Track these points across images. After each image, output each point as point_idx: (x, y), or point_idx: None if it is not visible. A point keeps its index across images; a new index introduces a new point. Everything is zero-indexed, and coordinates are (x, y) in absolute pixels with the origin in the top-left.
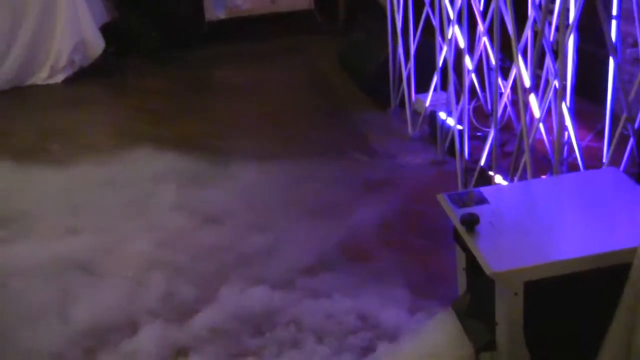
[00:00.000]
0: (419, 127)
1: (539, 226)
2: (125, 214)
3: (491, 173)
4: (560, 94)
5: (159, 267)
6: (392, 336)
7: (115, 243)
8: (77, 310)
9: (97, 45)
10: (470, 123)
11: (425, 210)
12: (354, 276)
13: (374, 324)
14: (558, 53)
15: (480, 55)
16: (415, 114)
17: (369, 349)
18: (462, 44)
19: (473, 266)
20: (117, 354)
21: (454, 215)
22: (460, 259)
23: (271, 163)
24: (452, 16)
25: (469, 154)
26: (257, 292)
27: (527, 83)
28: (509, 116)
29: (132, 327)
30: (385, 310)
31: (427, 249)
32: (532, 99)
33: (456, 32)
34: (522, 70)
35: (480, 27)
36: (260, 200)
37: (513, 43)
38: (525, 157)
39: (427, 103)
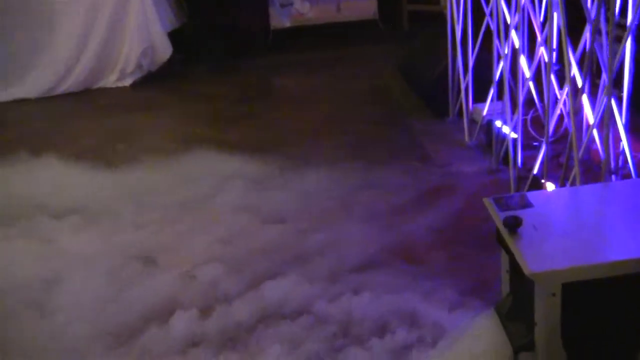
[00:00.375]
0: (476, 136)
1: (581, 230)
2: (188, 212)
3: (543, 181)
4: (607, 91)
5: (214, 261)
6: (434, 336)
7: (176, 237)
8: (129, 296)
9: (165, 50)
10: (527, 132)
11: (476, 216)
12: (402, 276)
13: (416, 323)
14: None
15: (539, 65)
16: (472, 123)
17: (410, 347)
18: (519, 50)
19: (515, 269)
20: (154, 337)
21: (498, 217)
22: (504, 262)
23: (330, 168)
24: (510, 24)
25: (523, 162)
26: (301, 287)
27: (579, 83)
28: (566, 127)
29: (168, 315)
30: (429, 310)
31: (476, 253)
32: (586, 102)
33: (513, 39)
34: (575, 70)
35: (539, 37)
36: (318, 203)
37: (564, 44)
38: (575, 164)
39: (485, 112)
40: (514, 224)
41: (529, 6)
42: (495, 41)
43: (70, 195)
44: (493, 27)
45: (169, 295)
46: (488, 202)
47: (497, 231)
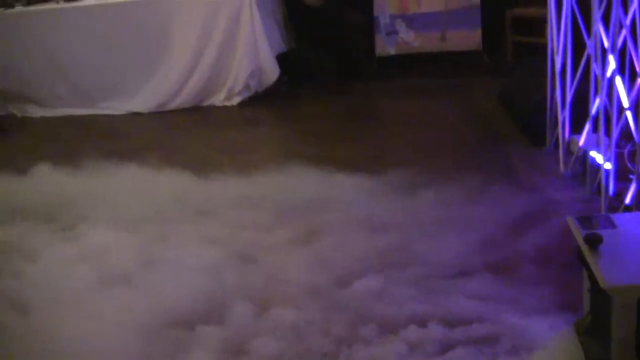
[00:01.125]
0: (571, 166)
1: None
2: (293, 219)
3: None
4: None
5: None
6: (514, 345)
7: (279, 240)
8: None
9: (272, 72)
10: (623, 164)
11: (564, 242)
12: (491, 287)
13: (499, 332)
14: None
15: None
16: (569, 153)
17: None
18: (619, 84)
19: (594, 287)
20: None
21: (579, 234)
22: (585, 280)
23: (426, 187)
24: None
25: (617, 193)
26: (390, 289)
27: None
28: None
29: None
30: (512, 321)
31: (565, 275)
32: None
33: (610, 62)
34: None
35: (637, 66)
36: (414, 219)
37: None
38: None
39: (581, 142)
40: (594, 241)
41: (628, 35)
42: (593, 64)
43: (194, 199)
44: (591, 50)
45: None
46: (571, 220)
47: (578, 249)
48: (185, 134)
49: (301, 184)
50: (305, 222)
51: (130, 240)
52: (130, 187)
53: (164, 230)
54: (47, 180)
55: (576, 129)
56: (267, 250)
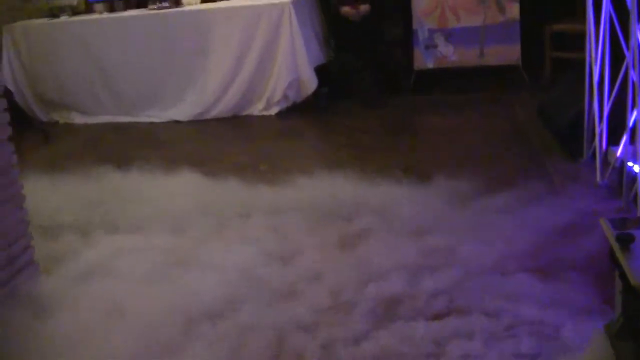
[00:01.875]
0: (608, 177)
1: None
2: (333, 223)
3: None
4: None
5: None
6: (547, 346)
7: (321, 242)
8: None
9: (310, 83)
10: None
11: (603, 250)
12: (530, 286)
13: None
14: None
15: None
16: (606, 164)
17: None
18: None
19: (627, 287)
20: None
21: (612, 235)
22: (618, 282)
23: (466, 196)
24: None
25: None
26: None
27: None
28: None
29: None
30: (546, 321)
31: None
32: None
33: None
34: None
35: None
36: (456, 223)
37: None
38: None
39: (618, 153)
40: (626, 239)
41: None
42: (631, 75)
43: (234, 203)
44: (629, 61)
45: None
46: (604, 221)
47: (611, 249)
48: (224, 143)
49: (342, 190)
50: (346, 227)
51: (174, 241)
52: (172, 191)
53: (206, 231)
54: (93, 183)
55: (613, 140)
56: (309, 252)
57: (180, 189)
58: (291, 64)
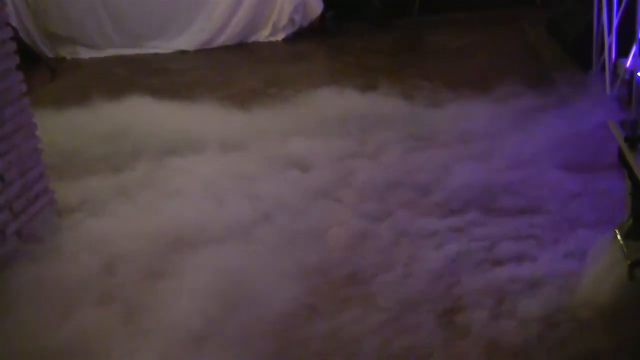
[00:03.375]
0: (617, 89)
1: None
2: (348, 129)
3: None
4: None
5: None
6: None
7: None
8: None
9: (316, 6)
10: None
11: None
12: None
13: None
14: None
15: None
16: (615, 75)
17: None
18: None
19: (636, 191)
20: None
21: (620, 135)
22: (627, 185)
23: (477, 107)
24: None
25: None
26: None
27: None
28: None
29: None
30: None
31: (608, 181)
32: None
33: None
34: None
35: None
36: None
37: None
38: None
39: (627, 65)
40: (635, 139)
41: None
42: None
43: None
44: None
45: None
46: (612, 123)
47: (619, 150)
48: (231, 69)
49: (355, 103)
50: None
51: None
52: (182, 120)
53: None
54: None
55: (622, 52)
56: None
57: (186, 116)
58: None
